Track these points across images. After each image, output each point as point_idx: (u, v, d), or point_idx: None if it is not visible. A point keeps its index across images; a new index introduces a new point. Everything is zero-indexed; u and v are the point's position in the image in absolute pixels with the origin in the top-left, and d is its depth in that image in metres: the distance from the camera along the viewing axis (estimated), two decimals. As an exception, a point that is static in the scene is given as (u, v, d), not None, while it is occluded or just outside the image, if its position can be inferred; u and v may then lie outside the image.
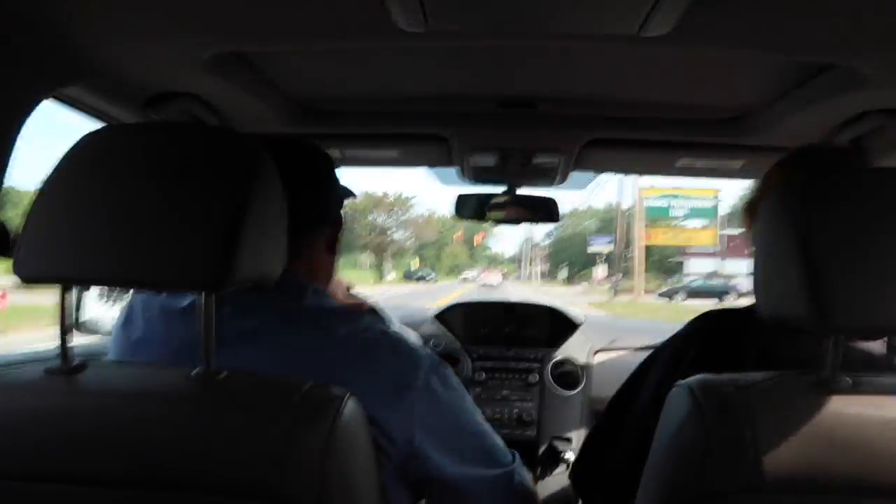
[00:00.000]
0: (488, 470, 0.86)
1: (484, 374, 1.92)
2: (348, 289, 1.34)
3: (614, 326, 2.28)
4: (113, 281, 0.62)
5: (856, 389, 0.62)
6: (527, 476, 0.92)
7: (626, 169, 1.88)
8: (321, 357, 0.76)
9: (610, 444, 0.97)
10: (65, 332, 0.63)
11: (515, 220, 1.77)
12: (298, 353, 0.76)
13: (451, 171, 1.70)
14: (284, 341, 0.77)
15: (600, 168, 1.70)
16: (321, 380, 0.73)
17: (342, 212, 0.99)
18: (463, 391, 0.87)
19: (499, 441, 0.89)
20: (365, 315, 0.85)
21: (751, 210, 0.97)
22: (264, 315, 0.78)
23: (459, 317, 2.06)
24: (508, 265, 79.61)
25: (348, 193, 1.10)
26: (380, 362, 0.79)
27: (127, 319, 0.85)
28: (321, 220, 0.91)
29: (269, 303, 0.78)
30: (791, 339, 0.74)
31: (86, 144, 0.64)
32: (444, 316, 2.06)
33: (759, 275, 0.70)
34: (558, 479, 1.80)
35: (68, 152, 0.63)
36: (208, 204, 0.59)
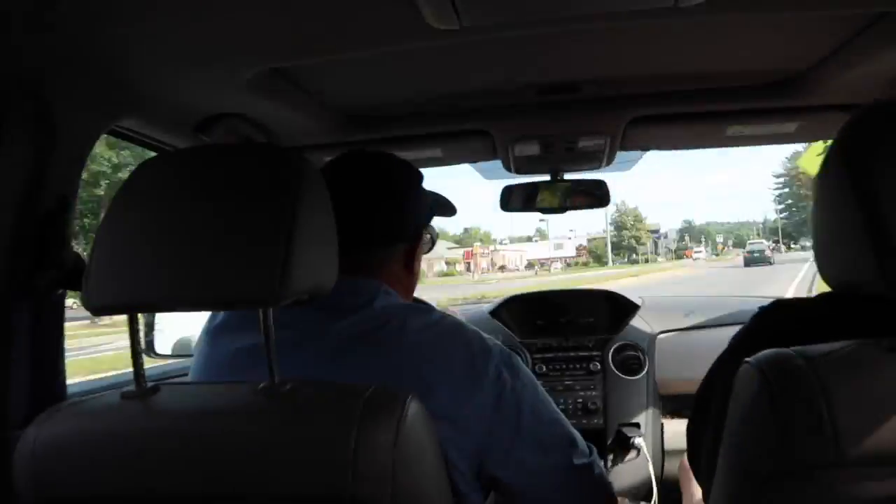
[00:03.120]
0: (571, 459, 0.84)
1: (545, 367, 1.90)
2: None
3: (674, 305, 2.21)
4: (173, 305, 0.64)
5: None
6: (604, 469, 0.90)
7: (674, 144, 1.82)
8: (396, 353, 0.77)
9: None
10: (136, 356, 0.65)
11: (565, 208, 1.74)
12: (374, 351, 0.77)
13: (494, 165, 1.68)
14: (359, 342, 0.78)
15: (647, 146, 1.65)
16: (397, 375, 0.74)
17: (431, 227, 0.97)
18: (535, 381, 0.86)
19: (576, 432, 0.87)
20: (435, 310, 0.85)
21: None
22: (339, 319, 0.79)
23: (515, 311, 2.04)
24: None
25: (443, 210, 1.04)
26: (453, 354, 0.79)
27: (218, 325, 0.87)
28: (397, 236, 0.90)
29: (341, 306, 0.79)
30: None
31: (141, 174, 0.66)
32: (499, 311, 2.05)
33: (821, 238, 0.66)
34: (630, 465, 1.76)
35: (126, 183, 0.66)
36: (257, 220, 0.60)
